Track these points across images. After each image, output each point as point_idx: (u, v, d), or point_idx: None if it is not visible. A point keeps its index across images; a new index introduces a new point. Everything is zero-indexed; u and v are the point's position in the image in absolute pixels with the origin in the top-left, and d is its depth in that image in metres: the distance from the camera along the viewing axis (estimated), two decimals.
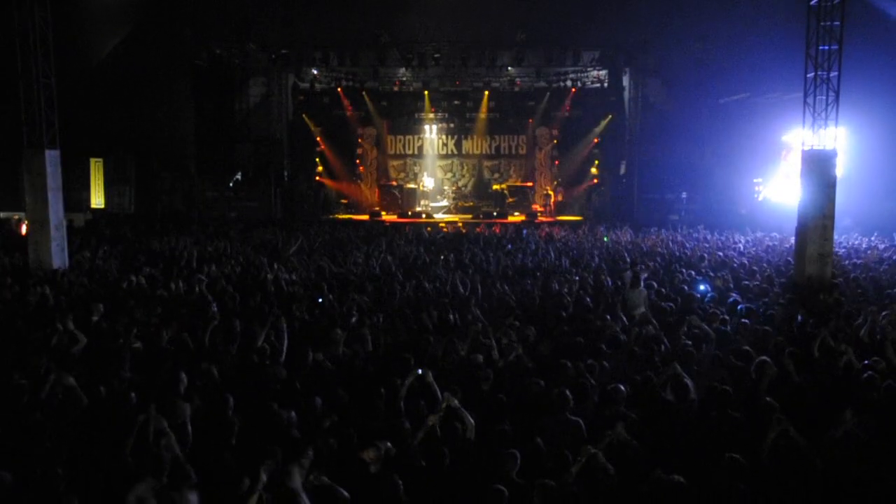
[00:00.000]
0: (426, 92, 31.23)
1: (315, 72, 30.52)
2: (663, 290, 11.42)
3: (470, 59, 27.62)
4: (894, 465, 5.10)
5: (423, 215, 28.47)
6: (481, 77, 30.60)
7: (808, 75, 13.59)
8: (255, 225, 23.76)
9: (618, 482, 5.00)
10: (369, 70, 29.23)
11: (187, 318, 9.22)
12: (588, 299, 10.65)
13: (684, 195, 28.46)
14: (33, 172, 14.34)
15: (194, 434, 5.65)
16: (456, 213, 29.68)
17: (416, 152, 32.85)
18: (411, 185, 30.89)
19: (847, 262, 15.28)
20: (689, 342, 7.95)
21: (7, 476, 4.66)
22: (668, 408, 6.30)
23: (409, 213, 28.71)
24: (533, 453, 5.32)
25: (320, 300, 10.49)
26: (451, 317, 9.38)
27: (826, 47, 13.35)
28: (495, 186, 31.31)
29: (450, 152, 32.83)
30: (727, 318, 9.27)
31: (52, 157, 14.38)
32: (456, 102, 31.90)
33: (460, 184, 32.67)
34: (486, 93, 31.19)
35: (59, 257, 14.41)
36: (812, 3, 13.36)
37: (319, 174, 31.38)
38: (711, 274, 12.87)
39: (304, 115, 30.86)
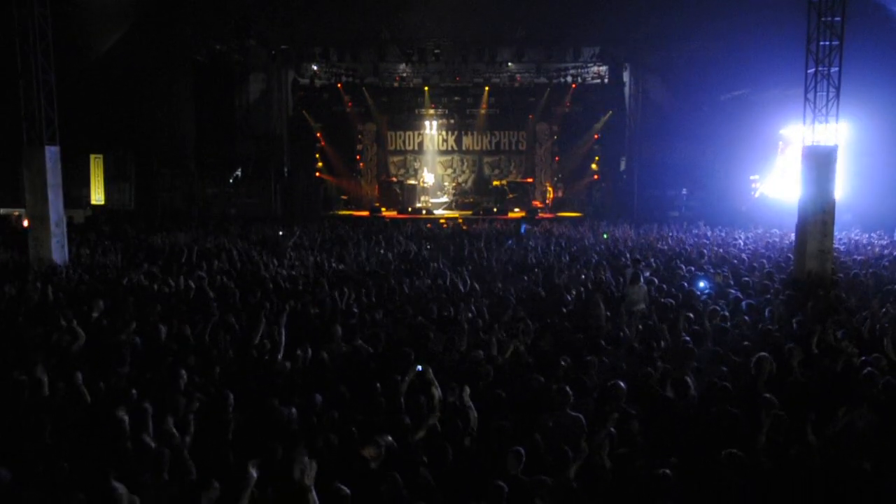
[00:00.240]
0: (426, 88, 31.23)
1: (315, 68, 30.51)
2: (664, 286, 11.42)
3: (470, 54, 27.61)
4: (894, 461, 5.10)
5: (424, 211, 28.48)
6: (481, 73, 30.60)
7: (809, 71, 13.57)
8: (255, 221, 23.76)
9: (617, 478, 5.00)
10: (369, 66, 29.24)
11: (187, 314, 9.22)
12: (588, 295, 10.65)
13: (684, 191, 28.45)
14: (33, 169, 14.33)
15: (194, 430, 5.66)
16: (456, 210, 29.67)
17: (416, 148, 32.84)
18: (411, 182, 30.88)
19: (847, 258, 15.27)
20: (689, 338, 7.95)
21: (6, 473, 4.66)
22: (668, 404, 6.30)
23: (410, 209, 28.71)
24: (533, 450, 5.33)
25: (320, 296, 10.48)
26: (451, 313, 9.38)
27: (827, 43, 13.32)
28: (495, 182, 31.29)
29: (450, 148, 32.82)
30: (727, 314, 9.26)
31: (51, 153, 14.37)
32: (456, 98, 31.90)
33: (460, 180, 32.66)
34: (487, 88, 31.20)
35: (59, 254, 14.41)
36: None
37: (319, 170, 31.37)
38: (711, 270, 12.87)
39: (304, 111, 30.85)
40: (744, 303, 9.90)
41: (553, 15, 25.67)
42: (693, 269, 13.07)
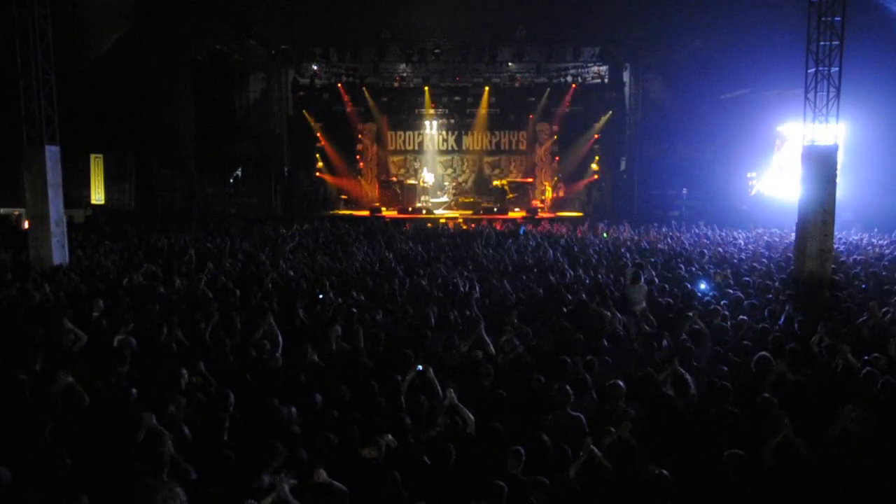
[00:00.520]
0: (426, 88, 31.24)
1: (315, 67, 30.50)
2: (666, 286, 11.43)
3: (470, 54, 27.59)
4: (893, 461, 5.10)
5: (424, 211, 28.47)
6: (481, 73, 30.60)
7: (809, 71, 13.57)
8: (256, 221, 23.77)
9: (616, 477, 5.01)
10: (369, 66, 29.21)
11: (188, 314, 9.22)
12: (587, 295, 10.65)
13: (685, 191, 28.45)
14: (33, 169, 14.33)
15: (194, 430, 5.66)
16: (456, 209, 29.67)
17: (416, 148, 32.84)
18: (411, 181, 30.86)
19: (847, 258, 15.27)
20: (688, 338, 7.95)
21: (7, 473, 4.66)
22: (669, 403, 6.31)
23: (410, 209, 28.69)
24: (535, 449, 5.33)
25: (321, 296, 10.49)
26: (452, 313, 9.38)
27: (827, 43, 13.32)
28: (495, 182, 31.27)
29: (450, 148, 32.81)
30: (727, 314, 9.27)
31: (52, 153, 14.37)
32: (456, 98, 31.90)
33: (460, 179, 32.66)
34: (487, 88, 31.20)
35: (59, 254, 14.41)
36: None
37: (319, 170, 31.39)
38: (712, 270, 12.87)
39: (304, 111, 30.84)
40: (745, 303, 9.91)
41: (553, 15, 25.68)
42: (693, 269, 13.07)
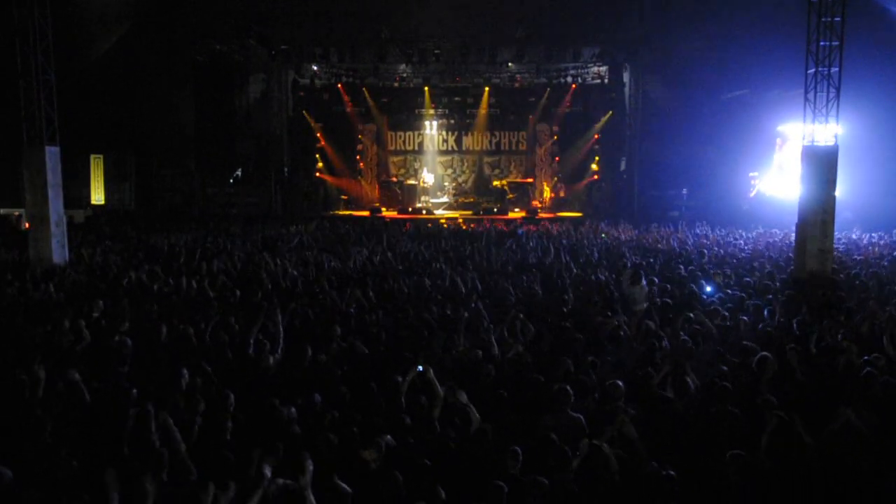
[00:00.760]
0: (426, 88, 31.27)
1: (315, 68, 30.53)
2: (668, 286, 11.43)
3: (470, 55, 27.61)
4: (893, 460, 5.10)
5: (424, 211, 28.49)
6: (481, 73, 30.62)
7: (809, 71, 13.57)
8: (256, 221, 23.77)
9: (617, 478, 5.00)
10: (369, 66, 29.24)
11: (188, 313, 9.22)
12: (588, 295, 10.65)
13: (685, 191, 28.47)
14: (33, 169, 14.34)
15: (195, 431, 5.66)
16: (456, 210, 29.69)
17: (416, 148, 32.86)
18: (411, 182, 30.89)
19: (847, 257, 15.28)
20: (688, 338, 7.95)
21: (7, 473, 4.66)
22: (668, 403, 6.30)
23: (410, 209, 28.71)
24: (536, 449, 5.32)
25: (320, 296, 10.49)
26: (452, 313, 9.37)
27: (827, 43, 13.32)
28: (495, 183, 31.32)
29: (450, 148, 32.83)
30: (727, 314, 9.26)
31: (52, 153, 14.38)
32: (456, 98, 31.93)
33: (460, 180, 32.67)
34: (487, 89, 31.23)
35: (59, 254, 14.42)
36: None
37: (319, 170, 31.41)
38: (712, 269, 12.86)
39: (304, 111, 30.86)
40: (748, 303, 9.90)
41: (553, 15, 25.70)
42: (693, 269, 13.06)
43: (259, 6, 25.93)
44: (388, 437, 5.36)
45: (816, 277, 12.74)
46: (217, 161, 29.32)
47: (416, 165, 32.70)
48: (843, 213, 17.58)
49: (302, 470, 4.43)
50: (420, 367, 6.50)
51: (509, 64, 29.68)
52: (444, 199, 31.33)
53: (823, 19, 13.23)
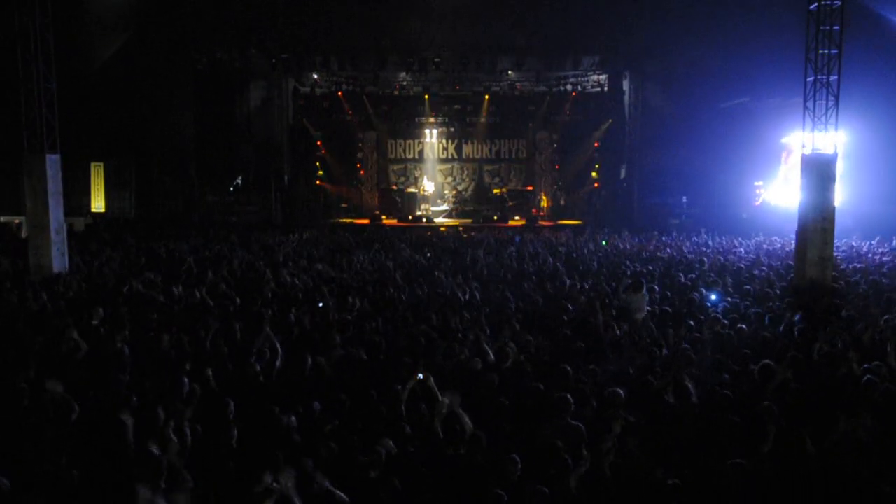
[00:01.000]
0: (426, 96, 31.30)
1: (315, 76, 30.56)
2: (668, 293, 11.42)
3: (470, 63, 27.63)
4: (894, 468, 5.09)
5: (424, 219, 28.48)
6: (481, 81, 30.65)
7: (808, 79, 13.60)
8: (256, 229, 23.78)
9: (618, 486, 4.99)
10: (370, 74, 29.25)
11: (188, 322, 9.21)
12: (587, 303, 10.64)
13: (685, 199, 28.47)
14: (34, 176, 14.34)
15: (194, 439, 5.64)
16: (456, 218, 29.69)
17: (416, 156, 32.89)
18: (412, 190, 30.90)
19: (847, 265, 15.27)
20: (688, 346, 7.94)
21: (5, 482, 4.64)
22: (669, 411, 6.29)
23: (410, 217, 28.71)
24: (535, 457, 5.31)
25: (320, 304, 10.48)
26: (452, 321, 9.36)
27: (826, 51, 13.36)
28: (495, 190, 31.33)
29: (450, 156, 32.86)
30: (727, 322, 9.25)
31: (52, 161, 14.38)
32: (456, 107, 31.96)
33: (461, 188, 32.68)
34: (487, 97, 31.26)
35: (59, 261, 14.40)
36: (812, 7, 13.38)
37: (320, 178, 31.41)
38: (712, 277, 12.85)
39: (304, 120, 30.88)
40: (746, 311, 9.90)
41: (553, 24, 25.75)
42: (694, 276, 13.05)
43: (260, 14, 25.99)
44: (390, 442, 5.35)
45: (816, 285, 12.73)
46: (217, 169, 29.32)
47: (416, 173, 32.72)
48: (843, 220, 17.58)
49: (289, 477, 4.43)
50: (420, 375, 6.49)
51: (509, 72, 29.73)
52: (444, 207, 31.34)
53: (822, 28, 13.27)
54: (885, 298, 11.03)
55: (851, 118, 17.96)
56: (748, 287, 11.88)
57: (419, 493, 4.94)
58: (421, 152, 32.75)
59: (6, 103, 15.41)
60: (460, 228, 25.13)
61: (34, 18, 13.92)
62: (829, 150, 13.59)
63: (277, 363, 7.48)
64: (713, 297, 11.23)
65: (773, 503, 4.86)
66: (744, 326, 8.97)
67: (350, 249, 17.70)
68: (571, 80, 30.32)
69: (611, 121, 30.08)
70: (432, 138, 32.50)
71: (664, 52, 26.91)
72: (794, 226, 14.23)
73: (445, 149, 32.77)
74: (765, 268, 14.60)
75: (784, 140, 25.83)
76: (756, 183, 28.24)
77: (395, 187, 31.29)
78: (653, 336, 8.80)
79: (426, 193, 31.09)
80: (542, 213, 30.63)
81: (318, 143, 31.20)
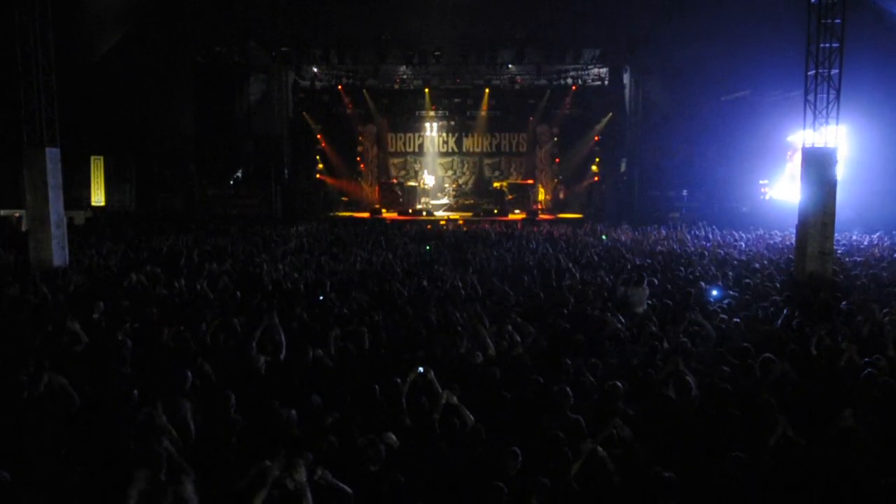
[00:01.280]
0: (427, 89, 31.26)
1: (315, 69, 30.52)
2: (668, 286, 11.42)
3: (470, 56, 27.60)
4: (893, 462, 5.10)
5: (424, 213, 28.48)
6: (482, 75, 30.61)
7: (809, 73, 13.57)
8: (256, 222, 23.78)
9: (618, 479, 5.00)
10: (370, 68, 29.21)
11: (189, 315, 9.22)
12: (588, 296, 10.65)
13: (685, 193, 28.46)
14: (34, 170, 14.33)
15: (196, 431, 5.66)
16: (456, 211, 29.70)
17: (416, 150, 32.88)
18: (412, 183, 30.91)
19: (848, 259, 15.26)
20: (687, 340, 7.95)
21: (6, 475, 4.66)
22: (669, 404, 6.30)
23: (410, 210, 28.72)
24: (535, 450, 5.32)
25: (321, 298, 10.49)
26: (452, 314, 9.36)
27: (827, 45, 13.32)
28: (496, 184, 31.33)
29: (450, 150, 32.85)
30: (726, 316, 9.26)
31: (52, 154, 14.37)
32: (456, 100, 31.93)
33: (461, 181, 32.68)
34: (487, 90, 31.22)
35: (59, 255, 14.41)
36: (813, 0, 13.33)
37: (320, 172, 31.40)
38: (712, 271, 12.86)
39: (304, 113, 30.86)
40: (750, 305, 9.90)
41: (553, 17, 25.70)
42: (695, 270, 13.05)
43: (259, 8, 25.94)
44: (392, 435, 5.36)
45: (817, 279, 12.73)
46: (217, 162, 29.31)
47: (417, 167, 32.72)
48: (844, 213, 17.57)
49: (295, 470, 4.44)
50: (421, 369, 6.49)
51: (509, 65, 29.67)
52: (445, 200, 31.33)
53: (824, 21, 13.22)
54: (885, 292, 11.04)
55: (853, 112, 17.93)
56: (748, 281, 11.88)
57: (420, 486, 4.95)
58: (421, 146, 32.73)
59: (6, 97, 15.39)
60: (460, 222, 25.13)
61: (34, 12, 13.89)
62: (830, 144, 13.57)
63: (281, 356, 7.48)
64: (714, 291, 11.22)
65: (772, 497, 4.87)
66: (738, 320, 8.98)
67: (350, 243, 17.70)
68: (572, 73, 30.26)
69: (611, 114, 30.02)
70: (432, 132, 32.49)
71: (664, 46, 26.84)
72: (795, 220, 14.21)
73: (446, 142, 32.75)
74: (765, 261, 14.60)
75: (790, 139, 25.77)
76: (762, 181, 28.19)
77: (395, 181, 31.28)
78: (653, 329, 8.80)
79: (426, 187, 31.09)
80: (541, 206, 30.62)
81: (319, 136, 31.18)
